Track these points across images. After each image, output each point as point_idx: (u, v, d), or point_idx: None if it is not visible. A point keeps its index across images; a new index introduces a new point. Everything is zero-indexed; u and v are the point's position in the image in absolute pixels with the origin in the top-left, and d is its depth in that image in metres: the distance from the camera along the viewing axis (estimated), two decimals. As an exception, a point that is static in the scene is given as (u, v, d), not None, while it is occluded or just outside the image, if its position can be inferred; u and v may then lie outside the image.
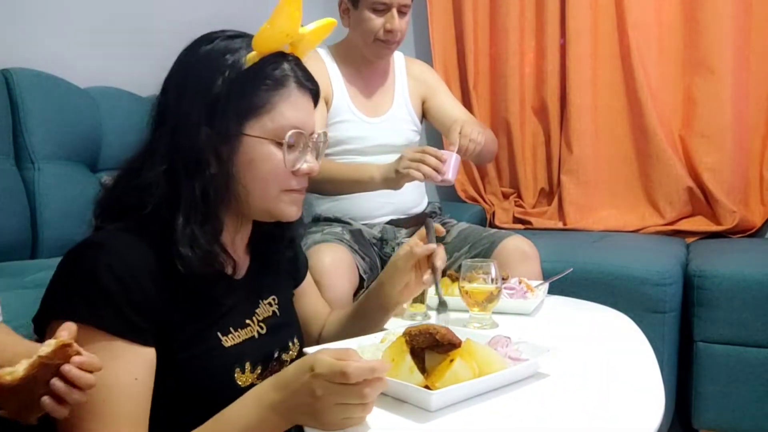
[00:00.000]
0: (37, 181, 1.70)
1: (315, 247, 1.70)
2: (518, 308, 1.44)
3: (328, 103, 1.95)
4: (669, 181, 2.60)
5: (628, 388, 1.02)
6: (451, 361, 0.91)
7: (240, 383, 0.97)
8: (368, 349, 1.04)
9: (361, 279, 1.76)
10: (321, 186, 1.81)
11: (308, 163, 1.00)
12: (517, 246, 1.79)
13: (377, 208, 1.96)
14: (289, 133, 0.96)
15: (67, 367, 0.71)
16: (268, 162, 0.96)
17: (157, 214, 0.93)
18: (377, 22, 1.89)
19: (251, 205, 0.99)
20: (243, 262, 1.07)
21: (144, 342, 0.87)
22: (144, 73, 2.28)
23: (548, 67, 2.77)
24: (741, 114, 2.53)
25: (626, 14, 2.61)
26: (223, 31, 0.99)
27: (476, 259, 1.41)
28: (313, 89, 1.01)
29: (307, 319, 1.24)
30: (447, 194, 3.04)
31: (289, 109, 0.97)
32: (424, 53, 2.99)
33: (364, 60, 1.99)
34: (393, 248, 1.92)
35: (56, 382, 0.71)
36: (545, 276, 1.74)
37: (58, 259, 1.66)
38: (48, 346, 0.71)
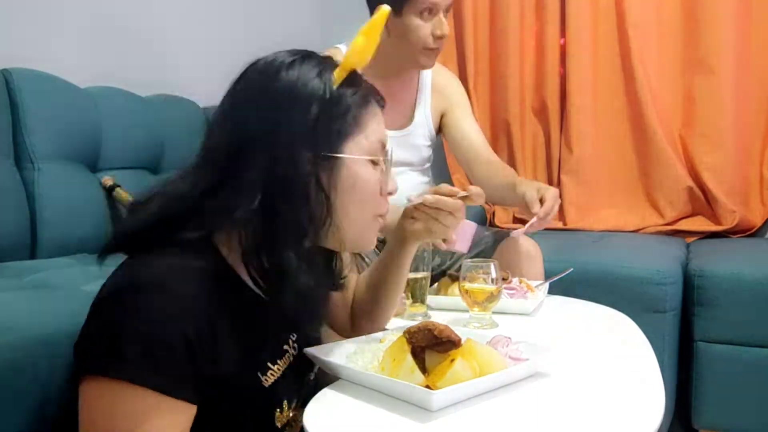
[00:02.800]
0: (37, 181, 1.70)
1: None
2: (518, 308, 1.43)
3: None
4: (669, 181, 2.60)
5: (628, 388, 1.02)
6: (452, 360, 0.91)
7: (278, 424, 0.94)
8: (368, 349, 1.04)
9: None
10: None
11: (393, 182, 0.98)
12: (520, 245, 1.78)
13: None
14: (389, 149, 0.95)
15: None
16: (368, 183, 0.93)
17: (211, 245, 0.87)
18: (426, 29, 1.75)
19: (344, 234, 0.93)
20: None
21: (190, 400, 0.80)
22: (144, 73, 2.29)
23: (548, 67, 2.77)
24: (741, 114, 2.54)
25: (626, 14, 2.61)
26: (291, 53, 0.94)
27: (476, 259, 1.40)
28: (383, 105, 1.00)
29: (338, 300, 1.22)
30: (447, 194, 3.03)
31: (378, 126, 0.95)
32: (424, 53, 2.99)
33: (388, 71, 1.84)
34: None
35: None
36: (547, 276, 1.74)
37: (58, 260, 1.67)
38: None
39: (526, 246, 1.78)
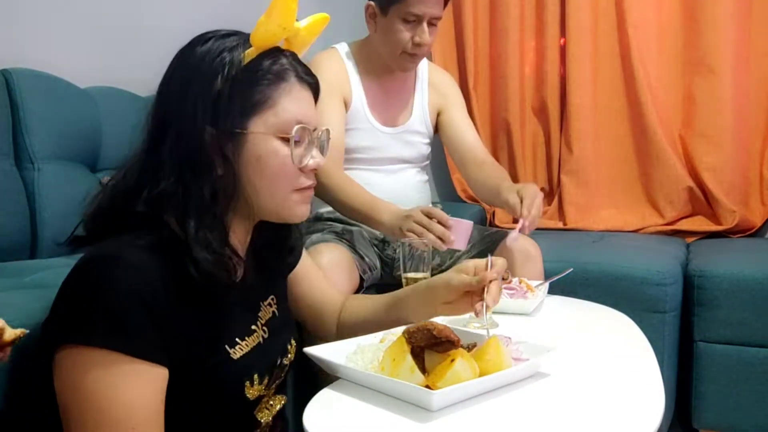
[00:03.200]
0: (37, 181, 1.69)
1: (314, 246, 1.69)
2: (518, 308, 1.43)
3: (347, 104, 1.88)
4: (669, 181, 2.60)
5: (628, 388, 1.02)
6: (452, 360, 0.91)
7: (249, 396, 0.96)
8: (368, 349, 1.04)
9: (361, 279, 1.75)
10: (332, 201, 1.77)
11: (314, 158, 0.98)
12: (520, 245, 1.78)
13: None
14: (295, 127, 0.94)
15: None
16: (275, 158, 0.94)
17: (162, 221, 0.91)
18: (406, 34, 1.79)
19: (260, 207, 0.96)
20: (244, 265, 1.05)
21: (160, 362, 0.84)
22: (144, 73, 2.29)
23: (548, 67, 2.77)
24: (741, 114, 2.54)
25: (626, 14, 2.61)
26: (216, 31, 0.97)
27: (476, 260, 1.40)
28: (313, 83, 0.99)
29: (318, 305, 1.22)
30: (447, 194, 3.04)
31: (292, 103, 0.95)
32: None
33: (385, 67, 1.91)
34: (394, 249, 1.91)
35: None
36: (547, 276, 1.74)
37: (58, 259, 1.67)
38: None
39: (526, 246, 1.78)
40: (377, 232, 1.92)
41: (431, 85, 2.02)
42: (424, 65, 2.03)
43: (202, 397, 0.91)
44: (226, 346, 0.94)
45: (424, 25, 1.79)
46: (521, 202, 1.63)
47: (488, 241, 1.83)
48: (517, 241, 1.70)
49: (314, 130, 0.99)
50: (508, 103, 2.84)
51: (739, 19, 2.50)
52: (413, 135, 1.98)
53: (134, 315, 0.82)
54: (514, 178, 2.90)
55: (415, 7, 1.76)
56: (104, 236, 0.91)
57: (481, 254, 1.79)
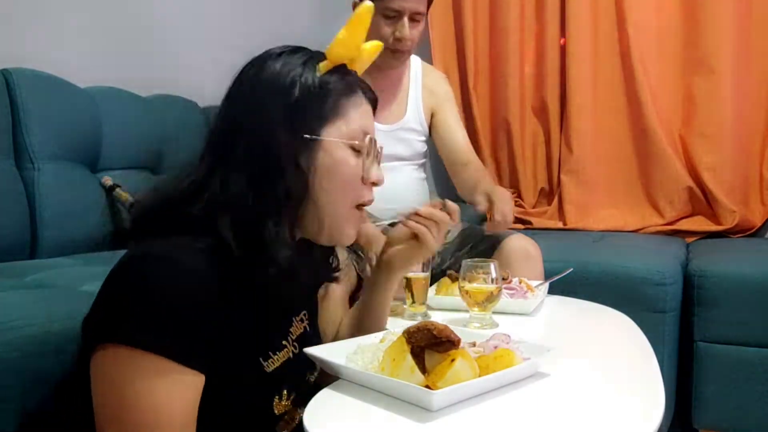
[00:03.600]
0: (37, 182, 1.70)
1: None
2: (518, 308, 1.43)
3: None
4: (669, 181, 2.60)
5: (628, 388, 1.02)
6: (452, 360, 0.91)
7: (276, 411, 0.96)
8: (368, 349, 1.04)
9: (359, 278, 1.76)
10: None
11: (377, 171, 1.00)
12: (520, 245, 1.78)
13: (380, 214, 1.95)
14: (368, 137, 0.97)
15: None
16: (346, 166, 0.95)
17: (214, 227, 0.89)
18: (387, 30, 1.82)
19: (323, 218, 0.96)
20: None
21: (201, 369, 0.83)
22: (144, 73, 2.29)
23: (548, 67, 2.77)
24: (741, 114, 2.54)
25: (626, 14, 2.61)
26: (284, 47, 0.99)
27: (476, 259, 1.40)
28: (374, 101, 1.03)
29: (324, 322, 1.23)
30: (447, 194, 3.03)
31: (361, 115, 0.98)
32: (424, 53, 2.99)
33: (376, 65, 1.94)
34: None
35: None
36: (547, 276, 1.74)
37: (59, 259, 1.67)
38: None
39: (526, 246, 1.79)
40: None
41: (424, 86, 2.05)
42: (417, 65, 2.05)
43: (229, 409, 0.90)
44: (261, 359, 0.94)
45: (405, 20, 1.82)
46: (490, 203, 1.71)
47: (489, 240, 1.83)
48: (521, 236, 1.79)
49: (377, 145, 1.01)
50: (508, 103, 2.84)
51: (739, 19, 2.50)
52: (408, 132, 2.00)
53: (184, 319, 0.81)
54: (514, 178, 2.91)
55: (394, 2, 1.80)
56: (150, 235, 0.90)
57: (482, 254, 1.79)
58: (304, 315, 1.08)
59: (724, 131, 2.53)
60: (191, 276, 0.82)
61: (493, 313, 1.35)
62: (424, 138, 2.05)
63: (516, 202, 2.90)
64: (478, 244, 1.84)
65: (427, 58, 2.94)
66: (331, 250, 1.10)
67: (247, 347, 0.91)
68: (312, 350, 1.04)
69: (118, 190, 1.86)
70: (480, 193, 1.78)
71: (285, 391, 0.96)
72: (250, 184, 0.90)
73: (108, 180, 1.88)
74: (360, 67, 1.02)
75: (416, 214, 1.13)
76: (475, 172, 1.96)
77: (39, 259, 1.66)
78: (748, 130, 2.56)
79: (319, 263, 1.09)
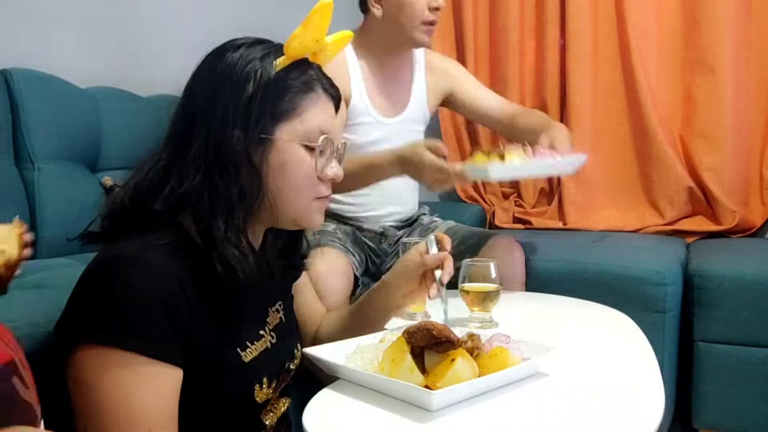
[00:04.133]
0: (37, 181, 1.70)
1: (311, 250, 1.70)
2: (564, 167, 1.54)
3: (346, 101, 1.86)
4: (669, 181, 2.60)
5: (628, 388, 1.02)
6: (452, 360, 0.91)
7: (258, 399, 0.97)
8: (367, 349, 1.04)
9: (356, 278, 1.77)
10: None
11: (334, 168, 1.00)
12: (503, 244, 1.81)
13: (381, 216, 1.96)
14: (321, 138, 0.97)
15: None
16: (299, 166, 0.96)
17: (177, 223, 0.91)
18: (422, 1, 1.79)
19: (280, 212, 0.97)
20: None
21: (176, 363, 0.85)
22: (144, 73, 2.29)
23: (548, 67, 2.77)
24: (741, 114, 2.53)
25: (626, 14, 2.61)
26: (246, 38, 0.99)
27: (476, 259, 1.40)
28: (336, 97, 1.02)
29: (302, 317, 1.23)
30: (447, 194, 3.04)
31: (318, 113, 0.97)
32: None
33: (389, 50, 1.89)
34: (389, 244, 1.93)
35: None
36: (529, 276, 1.86)
37: (59, 259, 1.66)
38: None
39: (510, 246, 1.81)
40: (376, 227, 1.93)
41: (432, 69, 2.02)
42: (420, 50, 2.03)
43: (211, 399, 0.91)
44: (238, 349, 0.95)
45: None
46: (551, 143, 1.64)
47: (475, 238, 1.85)
48: (507, 237, 1.82)
49: (335, 141, 1.01)
50: (508, 103, 2.84)
51: (739, 19, 2.50)
52: (411, 124, 1.99)
53: (154, 316, 0.82)
54: (514, 178, 2.91)
55: None
56: (119, 235, 0.92)
57: (468, 252, 1.79)
58: (280, 306, 1.10)
59: (724, 131, 2.53)
60: (157, 273, 0.84)
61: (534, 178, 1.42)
62: (422, 128, 2.05)
63: (516, 202, 2.90)
64: (464, 240, 1.85)
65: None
66: (296, 239, 1.11)
67: (223, 338, 0.93)
68: (312, 350, 1.04)
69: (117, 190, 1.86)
70: (541, 135, 1.72)
71: (265, 379, 0.97)
72: (205, 181, 0.91)
73: (108, 180, 1.88)
74: (324, 60, 1.01)
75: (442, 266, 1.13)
76: (527, 118, 1.94)
77: (39, 259, 1.65)
78: (748, 130, 2.55)
79: (285, 253, 1.10)
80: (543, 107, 2.82)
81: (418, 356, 0.94)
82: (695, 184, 2.58)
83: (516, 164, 1.49)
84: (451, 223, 2.00)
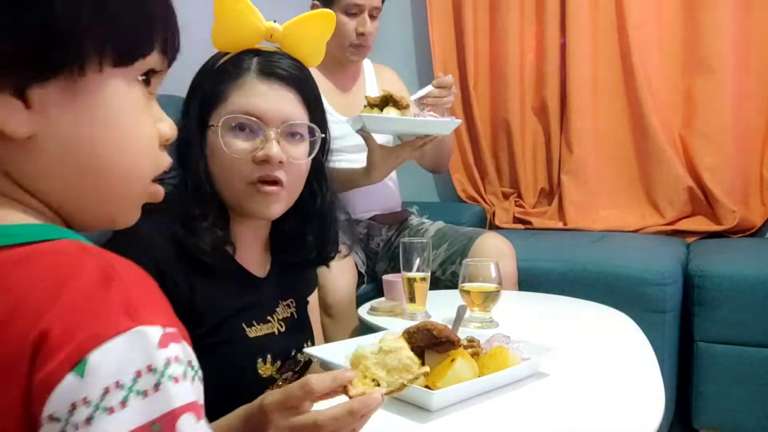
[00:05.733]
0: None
1: None
2: (439, 127, 1.64)
3: None
4: (669, 181, 2.60)
5: (628, 388, 1.02)
6: (452, 360, 0.91)
7: (261, 373, 1.00)
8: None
9: (360, 274, 1.78)
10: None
11: (264, 150, 0.98)
12: (494, 244, 1.83)
13: (363, 206, 2.00)
14: (225, 117, 0.98)
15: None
16: (227, 149, 0.98)
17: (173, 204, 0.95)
18: (350, 25, 1.90)
19: (226, 200, 1.02)
20: (263, 260, 1.09)
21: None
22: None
23: (548, 67, 2.77)
24: (741, 114, 2.53)
25: (626, 14, 2.61)
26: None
27: (476, 259, 1.41)
28: (283, 77, 1.01)
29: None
30: (447, 194, 3.04)
31: (242, 97, 0.99)
32: (424, 53, 2.99)
33: (335, 63, 1.98)
34: (378, 244, 1.96)
35: None
36: (529, 276, 1.88)
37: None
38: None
39: (500, 245, 1.84)
40: (362, 228, 1.96)
41: (379, 78, 2.13)
42: (368, 63, 2.14)
43: (216, 370, 0.90)
44: (243, 324, 1.00)
45: (365, 15, 1.91)
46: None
47: (464, 239, 1.86)
48: (496, 235, 1.89)
49: (282, 123, 1.00)
50: (508, 103, 2.84)
51: (739, 19, 2.50)
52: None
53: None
54: (514, 178, 2.91)
55: None
56: None
57: (458, 252, 1.84)
58: (291, 302, 1.13)
59: (724, 131, 2.53)
60: (149, 240, 0.90)
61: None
62: None
63: (516, 202, 2.90)
64: (454, 242, 1.87)
65: (428, 58, 2.95)
66: (305, 235, 1.10)
67: (229, 312, 0.98)
68: (312, 350, 1.05)
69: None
70: None
71: (269, 356, 1.01)
72: (178, 170, 0.98)
73: None
74: (291, 45, 1.03)
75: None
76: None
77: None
78: (748, 130, 2.55)
79: (299, 252, 1.11)
80: (543, 107, 2.82)
81: (418, 356, 0.94)
82: (695, 184, 2.58)
83: (391, 117, 1.61)
84: (440, 224, 2.02)
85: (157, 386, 0.43)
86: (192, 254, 0.94)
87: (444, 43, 2.94)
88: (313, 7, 1.95)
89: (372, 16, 1.93)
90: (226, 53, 1.02)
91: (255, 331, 1.01)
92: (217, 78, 1.00)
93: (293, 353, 1.07)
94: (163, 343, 0.45)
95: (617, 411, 0.93)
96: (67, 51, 0.48)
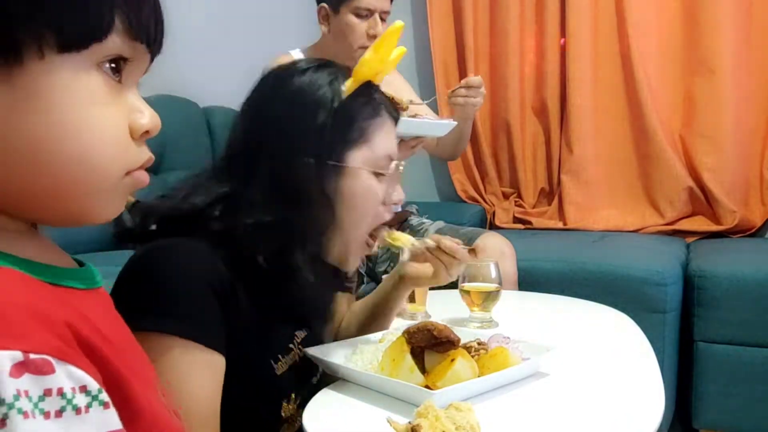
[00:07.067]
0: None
1: None
2: (435, 128, 1.67)
3: None
4: (669, 181, 2.60)
5: (628, 388, 1.02)
6: (452, 360, 0.91)
7: (283, 414, 0.95)
8: (367, 349, 1.04)
9: (360, 275, 1.77)
10: None
11: (398, 193, 0.99)
12: (494, 244, 1.83)
13: None
14: (392, 164, 0.96)
15: None
16: (370, 193, 0.95)
17: (234, 240, 0.88)
18: (361, 27, 1.89)
19: (334, 243, 0.96)
20: None
21: (222, 351, 0.82)
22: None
23: (548, 67, 2.77)
24: (741, 114, 2.54)
25: (626, 14, 2.61)
26: (308, 60, 0.98)
27: (476, 259, 1.40)
28: (397, 118, 1.01)
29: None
30: (447, 194, 3.04)
31: (385, 138, 0.96)
32: (424, 53, 2.99)
33: (341, 63, 1.98)
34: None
35: None
36: (529, 276, 1.87)
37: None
38: None
39: (500, 245, 1.84)
40: None
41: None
42: None
43: (239, 410, 0.87)
44: (271, 361, 0.93)
45: (377, 16, 1.89)
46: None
47: (464, 238, 1.86)
48: (495, 235, 1.90)
49: (400, 166, 1.00)
50: (508, 103, 2.84)
51: (739, 19, 2.50)
52: None
53: (205, 301, 0.80)
54: (515, 178, 2.91)
55: (368, 1, 1.87)
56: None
57: None
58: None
59: (724, 132, 2.53)
60: (206, 262, 0.82)
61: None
62: None
63: (516, 202, 2.90)
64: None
65: (428, 58, 2.95)
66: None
67: (258, 347, 0.90)
68: (312, 350, 1.04)
69: (118, 190, 1.86)
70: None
71: (293, 395, 0.95)
72: (277, 208, 0.88)
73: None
74: (381, 78, 1.00)
75: (439, 248, 1.11)
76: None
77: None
78: (749, 130, 2.56)
79: (332, 276, 1.07)
80: (543, 107, 2.82)
81: (418, 356, 0.94)
82: (695, 184, 2.58)
83: None
84: (440, 224, 2.02)
85: (3, 421, 0.38)
86: (246, 278, 0.86)
87: (444, 43, 2.94)
88: (320, 10, 1.95)
89: (382, 19, 1.91)
90: (327, 82, 0.93)
91: (281, 366, 0.93)
92: (352, 115, 0.93)
93: (312, 379, 1.02)
94: (15, 372, 0.39)
95: (617, 411, 0.93)
96: None
